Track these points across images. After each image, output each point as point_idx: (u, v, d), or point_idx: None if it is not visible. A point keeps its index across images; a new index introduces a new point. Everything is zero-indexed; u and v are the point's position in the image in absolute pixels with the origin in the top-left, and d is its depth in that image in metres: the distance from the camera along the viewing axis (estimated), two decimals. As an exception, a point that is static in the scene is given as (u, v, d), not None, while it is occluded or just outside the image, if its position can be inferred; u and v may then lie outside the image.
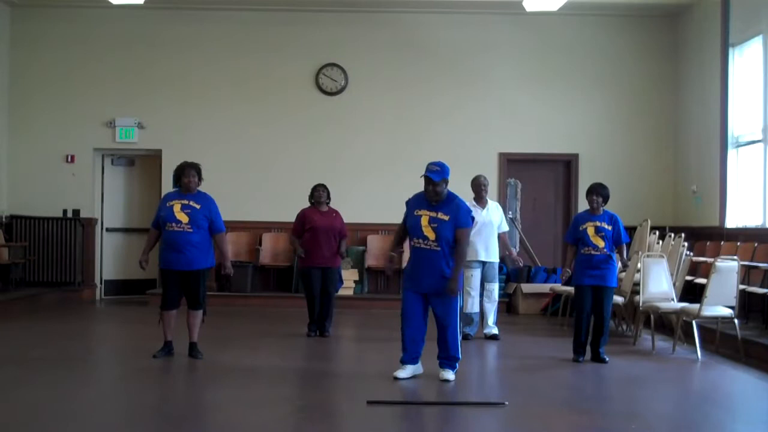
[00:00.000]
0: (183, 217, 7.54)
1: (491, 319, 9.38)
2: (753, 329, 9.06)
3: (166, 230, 7.59)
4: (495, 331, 9.36)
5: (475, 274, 9.23)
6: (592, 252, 7.84)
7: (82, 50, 13.10)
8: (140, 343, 8.38)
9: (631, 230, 11.85)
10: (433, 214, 6.81)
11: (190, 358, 7.70)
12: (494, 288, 9.39)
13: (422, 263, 6.84)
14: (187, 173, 7.67)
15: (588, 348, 8.00)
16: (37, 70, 13.14)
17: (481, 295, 9.34)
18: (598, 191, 7.95)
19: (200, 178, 7.76)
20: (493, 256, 9.33)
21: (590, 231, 7.85)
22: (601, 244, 7.81)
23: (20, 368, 7.29)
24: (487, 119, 13.08)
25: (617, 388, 7.23)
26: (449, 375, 6.94)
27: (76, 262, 12.97)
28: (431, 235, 6.79)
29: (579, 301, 8.01)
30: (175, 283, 7.68)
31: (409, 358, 6.96)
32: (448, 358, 6.98)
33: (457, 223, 6.80)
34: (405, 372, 6.92)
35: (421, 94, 13.08)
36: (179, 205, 7.58)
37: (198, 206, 7.61)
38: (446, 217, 6.80)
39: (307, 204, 9.57)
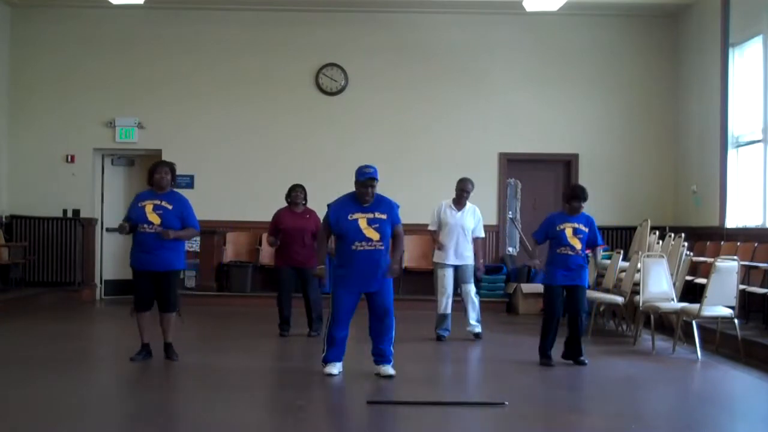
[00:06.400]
0: (155, 219, 7.34)
1: (472, 317, 9.28)
2: (753, 329, 9.06)
3: (138, 231, 7.39)
4: (477, 329, 9.29)
5: (448, 274, 9.18)
6: (569, 252, 7.75)
7: (82, 50, 13.09)
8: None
9: (631, 230, 11.90)
10: (370, 216, 6.89)
11: (166, 359, 7.51)
12: (470, 288, 9.28)
13: (366, 264, 6.87)
14: (159, 170, 7.47)
15: (550, 351, 7.86)
16: (37, 70, 13.13)
17: (460, 297, 9.30)
18: (582, 196, 7.82)
19: (173, 178, 7.57)
20: (466, 260, 9.25)
21: (569, 232, 7.75)
22: (579, 245, 7.75)
23: (20, 368, 7.29)
24: (487, 119, 13.08)
25: (617, 388, 7.23)
26: (392, 370, 6.99)
27: (76, 262, 12.98)
28: (375, 236, 6.86)
29: (551, 302, 7.85)
30: (146, 283, 7.48)
31: (339, 355, 7.05)
32: (385, 353, 7.03)
33: (394, 220, 6.98)
34: (337, 368, 7.02)
35: (421, 94, 13.08)
36: (151, 206, 7.39)
37: (170, 207, 7.42)
38: (384, 216, 6.93)
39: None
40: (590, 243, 7.91)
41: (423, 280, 11.59)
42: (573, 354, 7.83)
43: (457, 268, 9.23)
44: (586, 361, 7.78)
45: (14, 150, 13.04)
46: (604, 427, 5.77)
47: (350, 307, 7.02)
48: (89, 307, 12.57)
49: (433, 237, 9.36)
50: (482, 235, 9.54)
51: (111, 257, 13.40)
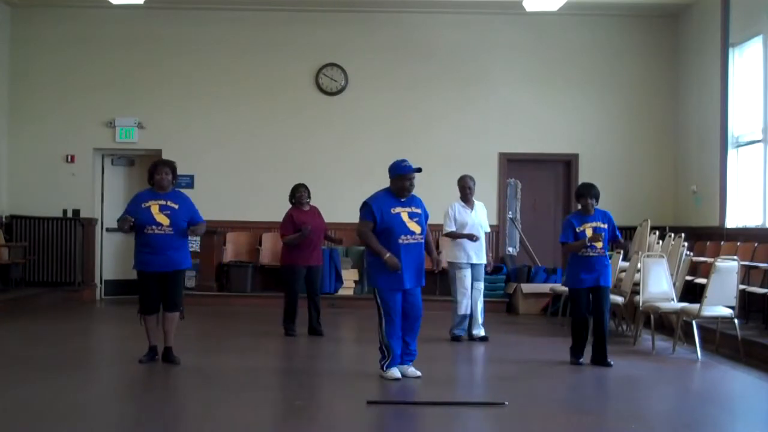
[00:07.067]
0: (163, 219, 7.25)
1: (481, 319, 9.27)
2: (753, 329, 9.06)
3: (145, 233, 7.26)
4: (483, 332, 9.26)
5: (467, 275, 9.17)
6: (591, 254, 7.66)
7: (82, 50, 13.10)
8: (140, 344, 8.36)
9: (631, 230, 11.89)
10: (409, 210, 6.92)
11: (165, 363, 7.41)
12: (482, 287, 9.33)
13: (412, 257, 6.88)
14: (159, 170, 7.37)
15: (584, 352, 7.85)
16: (37, 70, 13.14)
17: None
18: (592, 193, 7.75)
19: (174, 177, 7.48)
20: (482, 258, 9.27)
21: (589, 232, 7.66)
22: (600, 245, 7.66)
23: (20, 368, 7.29)
24: (487, 119, 13.08)
25: (617, 388, 7.22)
26: (418, 371, 6.97)
27: (76, 262, 12.97)
28: (417, 229, 6.90)
29: (577, 305, 7.79)
30: (154, 285, 7.39)
31: (399, 358, 6.95)
32: (414, 353, 7.03)
33: (427, 215, 7.05)
34: (398, 372, 6.91)
35: (421, 94, 13.08)
36: (157, 206, 7.27)
37: (176, 206, 7.34)
38: (419, 210, 6.97)
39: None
40: (611, 237, 7.81)
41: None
42: (600, 358, 7.73)
43: (473, 266, 9.22)
44: (612, 363, 7.72)
45: (14, 150, 13.05)
46: (604, 427, 5.77)
47: (400, 307, 6.91)
48: (89, 307, 12.57)
49: (453, 237, 9.21)
50: (488, 230, 9.59)
51: (111, 257, 13.40)
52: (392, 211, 6.86)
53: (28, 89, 13.13)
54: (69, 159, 13.05)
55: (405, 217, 6.87)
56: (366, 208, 6.91)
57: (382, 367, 6.92)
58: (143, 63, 13.09)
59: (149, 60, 13.10)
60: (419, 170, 6.93)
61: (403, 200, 6.92)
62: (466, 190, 9.28)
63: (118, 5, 12.28)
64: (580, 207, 7.85)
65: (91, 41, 13.09)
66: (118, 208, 13.34)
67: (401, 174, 6.90)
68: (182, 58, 13.11)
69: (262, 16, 13.15)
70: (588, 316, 7.83)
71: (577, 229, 7.73)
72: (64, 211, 13.04)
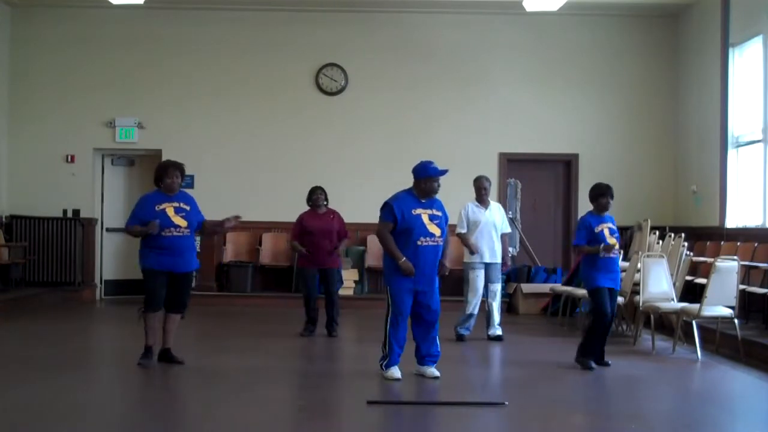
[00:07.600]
0: (181, 221, 7.25)
1: (497, 319, 9.35)
2: (753, 329, 9.06)
3: (162, 235, 7.20)
4: (500, 332, 9.32)
5: (480, 276, 9.22)
6: (611, 254, 7.65)
7: (82, 50, 13.10)
8: (141, 344, 8.36)
9: (631, 230, 11.90)
10: (430, 212, 6.92)
11: (164, 363, 7.38)
12: (498, 288, 9.37)
13: (429, 260, 6.88)
14: (170, 173, 7.33)
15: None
16: (37, 70, 13.14)
17: (485, 296, 9.34)
18: (611, 193, 7.75)
19: (183, 179, 7.47)
20: (497, 257, 9.30)
21: (606, 232, 7.67)
22: (617, 245, 7.67)
23: (20, 368, 7.29)
24: (487, 119, 13.08)
25: (617, 388, 7.23)
26: (437, 371, 6.98)
27: (76, 262, 12.96)
28: (437, 231, 6.89)
29: (601, 305, 7.62)
30: (164, 283, 7.33)
31: (399, 358, 6.95)
32: (434, 355, 7.04)
33: (447, 218, 7.04)
34: (399, 372, 6.91)
35: (421, 94, 13.08)
36: (172, 209, 7.26)
37: (188, 208, 7.36)
38: (440, 213, 6.98)
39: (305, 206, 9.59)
40: None
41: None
42: (598, 357, 7.72)
43: (487, 267, 9.25)
44: (609, 363, 7.72)
45: (14, 150, 13.04)
46: (604, 427, 5.77)
47: (410, 308, 6.92)
48: (89, 307, 12.57)
49: (463, 241, 9.28)
50: (509, 230, 9.65)
51: (111, 257, 13.40)
52: (413, 212, 6.87)
53: (28, 89, 13.14)
54: (69, 159, 13.05)
55: (426, 219, 6.87)
56: (387, 208, 6.92)
57: (381, 367, 6.93)
58: (143, 63, 13.09)
59: (149, 60, 13.10)
60: (439, 174, 6.95)
61: (423, 201, 6.93)
62: (481, 191, 9.36)
63: (118, 5, 12.28)
64: (595, 207, 7.82)
65: (91, 41, 13.09)
66: (118, 208, 13.54)
67: (432, 176, 6.92)
68: (182, 58, 13.11)
69: (262, 16, 13.15)
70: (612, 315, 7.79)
71: (595, 230, 7.70)
72: (64, 211, 13.04)
